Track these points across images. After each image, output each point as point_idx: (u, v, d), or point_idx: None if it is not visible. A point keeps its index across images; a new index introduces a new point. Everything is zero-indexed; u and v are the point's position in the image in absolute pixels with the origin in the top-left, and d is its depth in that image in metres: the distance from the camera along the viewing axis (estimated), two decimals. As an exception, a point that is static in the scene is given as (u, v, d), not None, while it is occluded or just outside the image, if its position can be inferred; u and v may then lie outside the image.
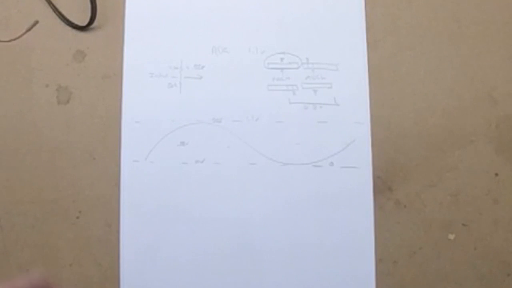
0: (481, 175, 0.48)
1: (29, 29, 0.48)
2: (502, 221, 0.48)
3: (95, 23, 0.47)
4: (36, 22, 0.48)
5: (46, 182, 0.46)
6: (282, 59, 0.48)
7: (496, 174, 0.48)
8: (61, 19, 0.47)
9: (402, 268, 0.47)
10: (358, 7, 0.49)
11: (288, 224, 0.46)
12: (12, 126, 0.47)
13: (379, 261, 0.46)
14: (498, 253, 0.48)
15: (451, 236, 0.48)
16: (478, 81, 0.49)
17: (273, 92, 0.48)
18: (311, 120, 0.47)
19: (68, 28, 0.47)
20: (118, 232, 0.46)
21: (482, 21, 0.49)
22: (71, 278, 0.45)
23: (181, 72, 0.48)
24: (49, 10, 0.48)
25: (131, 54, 0.47)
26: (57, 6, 0.47)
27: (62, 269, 0.45)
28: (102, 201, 0.46)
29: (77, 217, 0.46)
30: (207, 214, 0.46)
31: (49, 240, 0.46)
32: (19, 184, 0.46)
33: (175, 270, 0.46)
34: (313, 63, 0.48)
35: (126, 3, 0.48)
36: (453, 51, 0.49)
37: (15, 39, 0.48)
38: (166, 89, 0.47)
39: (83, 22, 0.47)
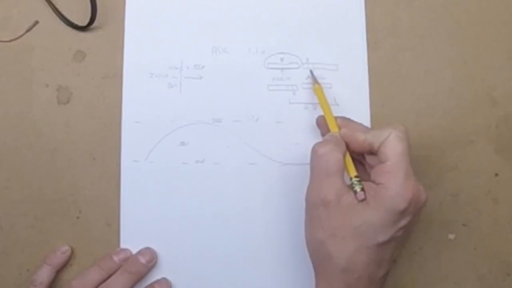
0: (481, 175, 0.48)
1: (29, 29, 0.48)
2: (502, 221, 0.48)
3: (95, 23, 0.47)
4: (36, 22, 0.48)
5: (46, 182, 0.46)
6: (282, 59, 0.48)
7: (496, 174, 0.48)
8: (61, 19, 0.47)
9: (402, 268, 0.47)
10: (358, 7, 0.49)
11: (288, 224, 0.46)
12: (12, 126, 0.47)
13: (379, 261, 0.46)
14: (498, 253, 0.48)
15: (451, 236, 0.48)
16: (478, 81, 0.49)
17: (273, 92, 0.48)
18: (311, 120, 0.47)
19: (68, 28, 0.47)
20: (118, 232, 0.46)
21: (482, 21, 0.50)
22: (71, 278, 0.45)
23: (181, 72, 0.48)
24: (49, 10, 0.48)
25: (131, 54, 0.47)
26: (57, 6, 0.47)
27: (62, 269, 0.45)
28: (102, 201, 0.46)
29: (77, 217, 0.46)
30: (207, 214, 0.46)
31: (49, 240, 0.46)
32: (19, 184, 0.46)
33: (175, 269, 0.46)
34: (313, 63, 0.48)
35: (126, 3, 0.48)
36: (453, 51, 0.49)
37: (15, 39, 0.48)
38: (166, 89, 0.47)
39: (83, 22, 0.47)
